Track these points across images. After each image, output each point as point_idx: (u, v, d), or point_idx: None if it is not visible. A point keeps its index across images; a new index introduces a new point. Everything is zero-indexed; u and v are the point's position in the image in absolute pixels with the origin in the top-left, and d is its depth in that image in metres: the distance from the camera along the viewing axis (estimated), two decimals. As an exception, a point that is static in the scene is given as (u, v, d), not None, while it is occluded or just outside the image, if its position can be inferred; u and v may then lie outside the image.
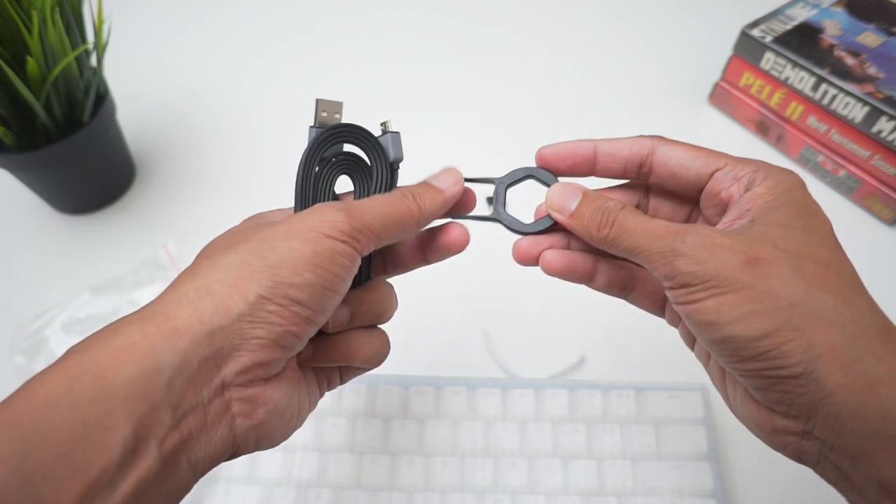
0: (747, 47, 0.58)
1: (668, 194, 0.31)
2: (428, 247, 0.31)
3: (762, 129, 0.60)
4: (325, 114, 0.29)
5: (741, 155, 0.28)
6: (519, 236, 0.31)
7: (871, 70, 0.53)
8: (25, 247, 0.54)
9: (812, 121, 0.56)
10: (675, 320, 0.31)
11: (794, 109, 0.57)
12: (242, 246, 0.25)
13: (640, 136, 0.29)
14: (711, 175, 0.27)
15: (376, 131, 0.30)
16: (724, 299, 0.23)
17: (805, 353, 0.22)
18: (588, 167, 0.30)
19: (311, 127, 0.29)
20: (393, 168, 0.30)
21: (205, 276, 0.24)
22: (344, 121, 0.30)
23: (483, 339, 0.48)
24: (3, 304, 0.50)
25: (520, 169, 0.31)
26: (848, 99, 0.52)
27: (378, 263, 0.32)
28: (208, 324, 0.22)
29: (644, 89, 0.66)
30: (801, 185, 0.26)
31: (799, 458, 0.25)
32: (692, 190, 0.29)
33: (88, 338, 0.22)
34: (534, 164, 0.31)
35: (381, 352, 0.30)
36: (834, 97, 0.53)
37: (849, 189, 0.55)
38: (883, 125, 0.51)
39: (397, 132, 0.30)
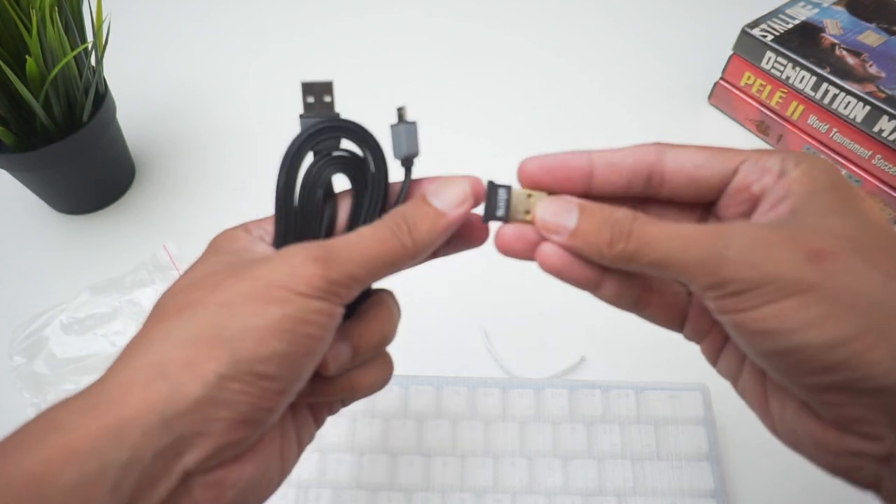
0: (748, 47, 0.57)
1: (666, 205, 0.26)
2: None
3: (763, 128, 0.60)
4: (311, 99, 0.25)
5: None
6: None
7: (872, 69, 0.53)
8: (25, 247, 0.54)
9: (813, 120, 0.56)
10: (698, 335, 0.27)
11: (795, 109, 0.57)
12: (199, 311, 0.21)
13: (640, 144, 0.25)
14: (735, 170, 0.24)
15: (388, 120, 0.26)
16: (786, 303, 0.20)
17: (894, 360, 0.19)
18: (583, 182, 0.25)
19: (300, 116, 0.25)
20: (404, 166, 0.26)
21: (157, 350, 0.21)
22: (337, 108, 0.25)
23: (483, 339, 0.48)
24: (2, 304, 0.50)
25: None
26: (849, 98, 0.52)
27: None
28: (161, 412, 0.19)
29: (644, 89, 0.66)
30: (837, 169, 0.23)
31: (870, 485, 0.21)
32: (712, 192, 0.25)
33: (18, 432, 0.20)
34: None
35: (386, 376, 0.27)
36: (835, 97, 0.53)
37: (849, 189, 0.55)
38: (884, 125, 0.50)
39: (413, 123, 0.26)
